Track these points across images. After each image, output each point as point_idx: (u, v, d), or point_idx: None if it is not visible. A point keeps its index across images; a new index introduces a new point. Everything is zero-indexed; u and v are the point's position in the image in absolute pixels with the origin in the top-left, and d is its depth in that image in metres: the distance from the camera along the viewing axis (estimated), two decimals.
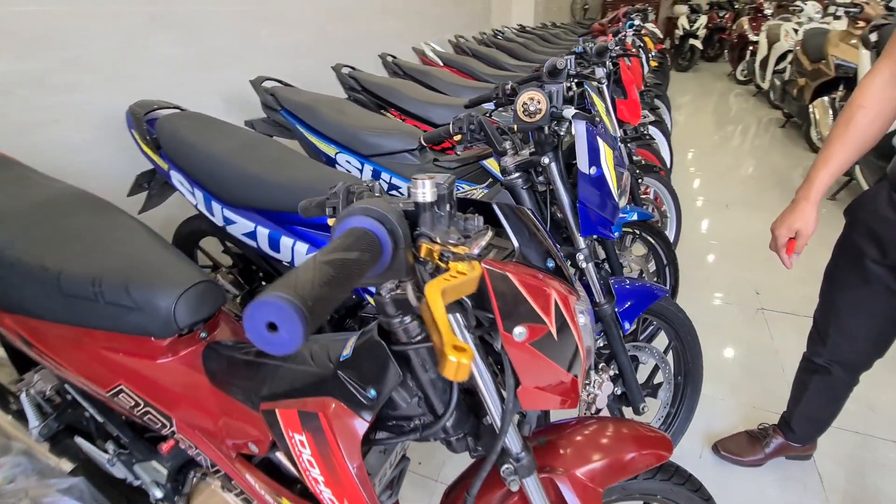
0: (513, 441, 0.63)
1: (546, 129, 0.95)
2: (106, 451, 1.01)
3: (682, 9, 10.09)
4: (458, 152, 1.69)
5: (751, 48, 7.62)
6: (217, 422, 0.80)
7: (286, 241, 1.32)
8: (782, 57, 5.94)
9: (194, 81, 2.26)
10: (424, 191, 0.50)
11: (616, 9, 12.69)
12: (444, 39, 4.41)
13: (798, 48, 4.92)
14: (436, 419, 0.65)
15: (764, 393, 1.77)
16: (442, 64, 3.22)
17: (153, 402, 0.84)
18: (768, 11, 7.83)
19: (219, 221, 1.39)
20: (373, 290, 1.27)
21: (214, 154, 1.33)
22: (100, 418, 0.98)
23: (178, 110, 1.55)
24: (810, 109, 4.08)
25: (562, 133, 0.99)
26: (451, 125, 1.25)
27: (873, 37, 3.05)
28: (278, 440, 0.68)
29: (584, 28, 8.03)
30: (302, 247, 1.32)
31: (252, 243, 1.37)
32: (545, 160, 1.01)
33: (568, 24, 8.12)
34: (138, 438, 0.99)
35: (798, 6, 6.15)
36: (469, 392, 0.66)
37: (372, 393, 0.63)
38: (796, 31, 5.56)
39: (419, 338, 0.61)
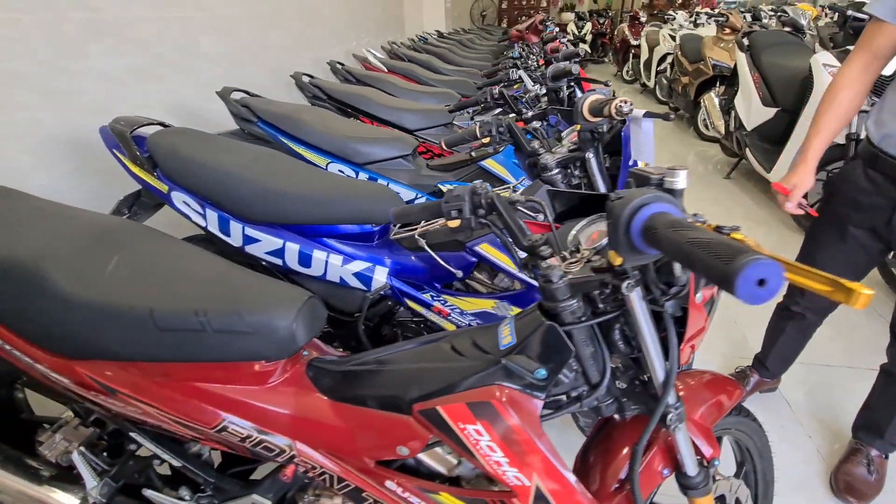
0: (671, 393, 0.73)
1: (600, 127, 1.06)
2: (183, 499, 0.92)
3: (570, 16, 11.07)
4: (445, 158, 1.75)
5: (633, 51, 8.60)
6: (346, 436, 0.79)
7: (319, 255, 1.30)
8: (662, 58, 6.80)
9: (136, 93, 2.05)
10: (680, 179, 0.57)
11: (510, 16, 13.58)
12: (358, 46, 4.38)
13: (677, 51, 5.68)
14: (591, 388, 0.72)
15: (735, 344, 2.07)
16: (386, 70, 3.24)
17: (268, 430, 0.80)
18: (643, 19, 8.90)
19: (236, 241, 1.31)
20: (416, 293, 1.30)
21: (230, 171, 1.26)
22: (176, 462, 0.90)
23: (161, 126, 1.42)
24: (701, 103, 4.76)
25: (603, 130, 1.11)
26: (477, 129, 1.32)
27: (745, 41, 3.67)
28: (444, 435, 0.71)
29: (489, 33, 8.47)
30: (336, 258, 1.30)
31: (277, 261, 1.32)
32: (589, 155, 1.12)
33: (474, 30, 8.49)
34: (222, 476, 0.92)
35: (671, 14, 7.10)
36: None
37: (541, 373, 0.68)
38: (672, 36, 6.41)
39: (584, 317, 0.68)
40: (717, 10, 5.03)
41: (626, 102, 0.90)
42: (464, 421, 0.70)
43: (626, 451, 0.78)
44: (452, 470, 0.79)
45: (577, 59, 1.91)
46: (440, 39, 5.51)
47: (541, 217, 1.04)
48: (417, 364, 0.78)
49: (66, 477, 0.98)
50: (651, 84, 7.22)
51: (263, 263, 1.35)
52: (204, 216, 1.30)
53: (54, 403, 1.21)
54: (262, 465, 0.99)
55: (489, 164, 1.73)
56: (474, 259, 1.26)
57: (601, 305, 0.68)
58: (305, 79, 2.36)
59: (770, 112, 3.34)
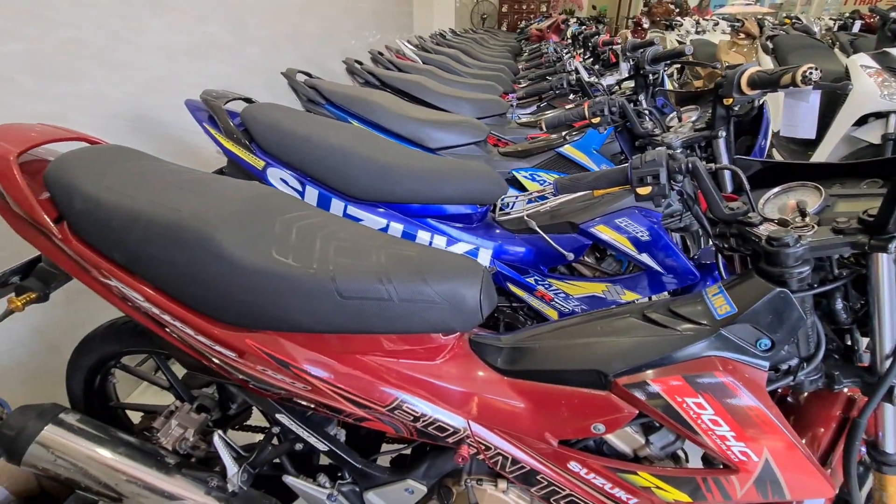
0: None
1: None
2: (323, 487, 0.86)
3: (571, 20, 11.16)
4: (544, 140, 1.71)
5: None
6: (528, 414, 0.75)
7: (423, 236, 1.25)
8: (669, 63, 6.91)
9: (185, 71, 1.97)
10: None
11: (510, 20, 13.63)
12: (368, 45, 4.30)
13: (689, 56, 5.77)
14: (804, 361, 0.69)
15: None
16: (421, 62, 3.19)
17: (444, 407, 0.75)
18: (646, 25, 9.03)
19: None
20: (520, 277, 1.26)
21: (335, 146, 1.20)
22: (323, 446, 0.84)
23: (247, 101, 1.36)
24: None
25: (736, 108, 1.09)
26: (586, 108, 1.29)
27: (770, 45, 3.73)
28: (656, 410, 0.67)
29: (494, 35, 8.48)
30: (440, 240, 1.26)
31: None
32: (721, 133, 1.10)
33: (480, 32, 8.50)
34: (368, 461, 0.86)
35: (678, 21, 7.21)
36: None
37: (764, 343, 0.65)
38: (680, 42, 6.51)
39: (814, 284, 0.65)
40: (716, 19, 5.13)
41: (814, 69, 0.88)
42: (682, 394, 0.66)
43: (821, 428, 0.75)
44: (640, 450, 0.75)
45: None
46: (456, 37, 5.49)
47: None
48: (610, 337, 0.74)
49: (190, 464, 0.91)
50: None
51: None
52: (303, 194, 1.24)
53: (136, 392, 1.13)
54: (389, 453, 0.94)
55: (568, 150, 1.70)
56: (588, 241, 1.22)
57: (829, 271, 0.65)
58: (357, 65, 2.30)
59: None
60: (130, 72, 1.62)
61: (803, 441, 0.75)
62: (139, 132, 1.66)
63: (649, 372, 0.68)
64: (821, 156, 3.04)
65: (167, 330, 0.76)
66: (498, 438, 0.77)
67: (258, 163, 1.25)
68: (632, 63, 1.55)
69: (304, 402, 0.79)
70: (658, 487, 0.72)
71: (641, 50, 1.53)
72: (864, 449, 0.76)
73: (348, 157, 1.20)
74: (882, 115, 2.67)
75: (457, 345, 0.78)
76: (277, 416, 0.83)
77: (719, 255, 0.92)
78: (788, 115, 0.94)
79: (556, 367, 0.74)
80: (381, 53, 2.85)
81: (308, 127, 1.24)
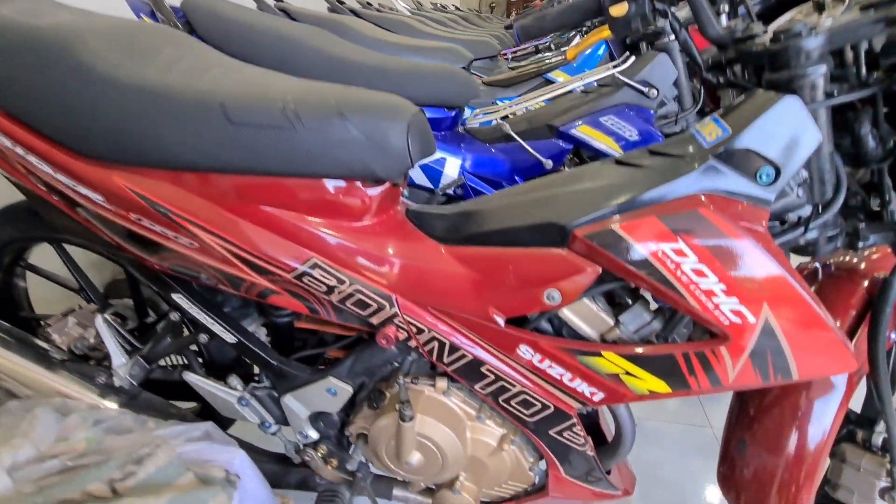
0: None
1: None
2: (234, 389, 0.72)
3: None
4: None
5: None
6: (468, 285, 0.60)
7: None
8: None
9: None
10: None
11: (519, 9, 13.45)
12: None
13: None
14: (819, 209, 0.54)
15: None
16: (408, 12, 3.04)
17: (364, 278, 0.61)
18: None
19: None
20: (490, 190, 1.11)
21: (285, 37, 1.07)
22: (231, 337, 0.70)
23: None
24: None
25: None
26: None
27: None
28: (622, 263, 0.52)
29: (500, 20, 8.31)
30: None
31: None
32: None
33: (484, 15, 8.34)
34: (286, 359, 0.72)
35: None
36: None
37: (767, 172, 0.50)
38: None
39: (834, 91, 0.49)
40: None
41: None
42: (656, 240, 0.51)
43: (843, 309, 0.60)
44: (608, 333, 0.60)
45: None
46: (459, 11, 5.35)
47: None
48: (572, 185, 0.59)
49: (85, 365, 0.77)
50: None
51: None
52: None
53: (61, 303, 1.01)
54: (321, 350, 0.80)
55: (557, 76, 1.55)
56: (568, 146, 1.07)
57: (856, 76, 0.50)
58: (339, 4, 2.17)
59: None
60: None
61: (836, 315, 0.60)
62: None
63: (616, 217, 0.53)
64: None
65: (24, 165, 0.62)
66: (432, 318, 0.62)
67: None
68: None
69: (196, 272, 0.65)
70: (628, 374, 0.57)
71: None
72: (893, 336, 0.60)
73: (296, 50, 1.06)
74: None
75: (386, 206, 0.63)
76: (174, 296, 0.69)
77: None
78: None
79: (504, 226, 0.59)
80: (369, 4, 2.72)
81: (252, 18, 1.11)
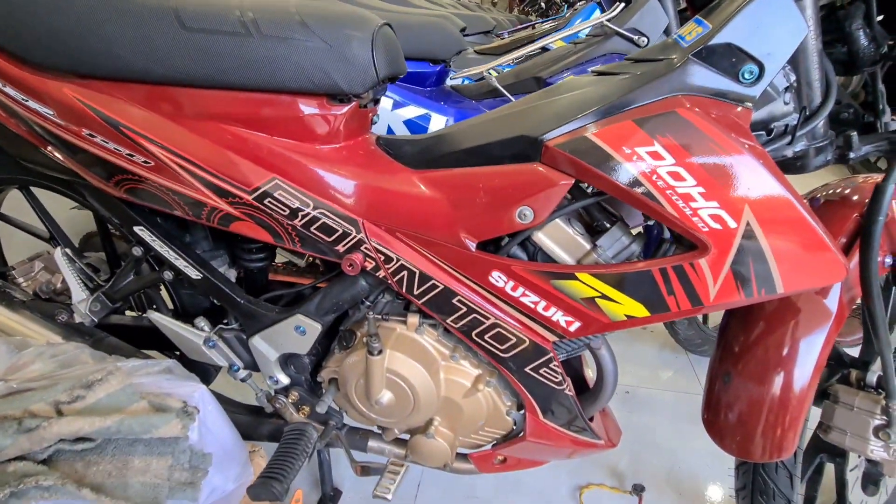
0: None
1: None
2: (201, 331, 0.70)
3: None
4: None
5: None
6: (436, 208, 0.57)
7: None
8: None
9: None
10: None
11: (521, 2, 13.39)
12: None
13: None
14: (809, 115, 0.50)
15: None
16: None
17: (329, 202, 0.58)
18: None
19: None
20: None
21: None
22: (196, 273, 0.67)
23: None
24: None
25: None
26: None
27: None
28: (596, 172, 0.48)
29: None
30: (385, 101, 1.08)
31: None
32: None
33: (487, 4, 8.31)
34: (254, 298, 0.69)
35: None
36: None
37: (750, 69, 0.46)
38: None
39: None
40: None
41: None
42: (631, 144, 0.47)
43: (835, 230, 0.56)
44: (585, 258, 0.57)
45: None
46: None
47: None
48: (546, 98, 0.55)
49: (47, 305, 0.75)
50: None
51: None
52: None
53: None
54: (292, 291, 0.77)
55: (557, 45, 1.51)
56: None
57: None
58: None
59: None
60: None
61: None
62: None
63: (591, 125, 0.49)
64: None
65: None
66: (401, 244, 0.59)
67: None
68: None
69: (156, 198, 0.62)
70: (604, 297, 0.53)
71: None
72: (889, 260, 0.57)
73: None
74: None
75: (354, 130, 0.60)
76: (136, 229, 0.66)
77: None
78: None
79: (474, 145, 0.56)
80: None
81: None
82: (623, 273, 0.52)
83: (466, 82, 1.21)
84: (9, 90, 0.56)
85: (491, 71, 1.11)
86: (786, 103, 0.50)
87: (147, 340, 0.83)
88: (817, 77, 0.49)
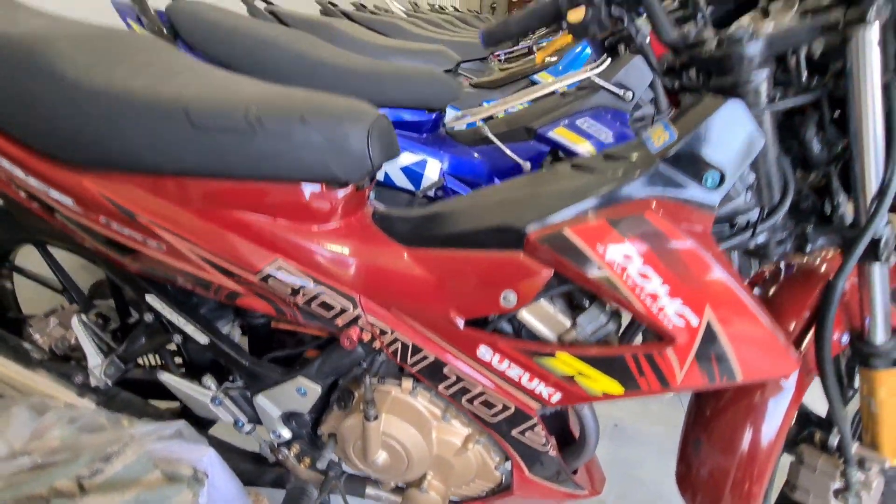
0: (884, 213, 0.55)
1: None
2: (207, 388, 0.74)
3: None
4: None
5: None
6: (428, 287, 0.62)
7: None
8: None
9: None
10: None
11: (521, 9, 13.44)
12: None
13: None
14: (768, 212, 0.55)
15: None
16: (404, 14, 3.06)
17: (328, 280, 0.62)
18: None
19: None
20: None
21: (268, 41, 1.08)
22: (202, 338, 0.72)
23: None
24: None
25: None
26: None
27: None
28: (573, 266, 0.53)
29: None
30: None
31: None
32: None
33: (485, 14, 8.34)
34: (258, 359, 0.74)
35: None
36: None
37: (713, 176, 0.51)
38: None
39: (777, 96, 0.50)
40: None
41: None
42: (603, 242, 0.52)
43: (794, 313, 0.60)
44: (565, 335, 0.61)
45: None
46: (457, 12, 5.36)
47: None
48: (528, 189, 0.60)
49: (63, 365, 0.79)
50: None
51: None
52: None
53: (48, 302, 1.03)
54: (296, 351, 0.81)
55: (543, 77, 1.56)
56: (546, 148, 1.08)
57: (798, 82, 0.51)
58: (331, 6, 2.18)
59: None
60: None
61: (783, 322, 0.61)
62: None
63: (567, 221, 0.54)
64: None
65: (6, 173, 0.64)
66: (395, 319, 0.64)
67: None
68: None
69: (168, 274, 0.66)
70: (581, 374, 0.58)
71: None
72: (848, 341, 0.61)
73: (279, 54, 1.08)
74: None
75: (352, 210, 0.65)
76: (147, 298, 0.71)
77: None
78: None
79: (464, 229, 0.61)
80: (364, 6, 2.74)
81: (236, 22, 1.12)
82: (599, 356, 0.56)
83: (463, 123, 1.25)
84: (31, 180, 0.61)
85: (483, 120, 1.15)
86: (747, 200, 0.55)
87: (157, 392, 0.88)
88: (776, 178, 0.54)
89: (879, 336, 0.58)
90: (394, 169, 1.14)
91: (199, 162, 0.58)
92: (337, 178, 0.60)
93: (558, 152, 1.09)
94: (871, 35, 0.44)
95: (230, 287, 0.64)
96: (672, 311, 0.51)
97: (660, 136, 0.54)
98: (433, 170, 1.14)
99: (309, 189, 0.61)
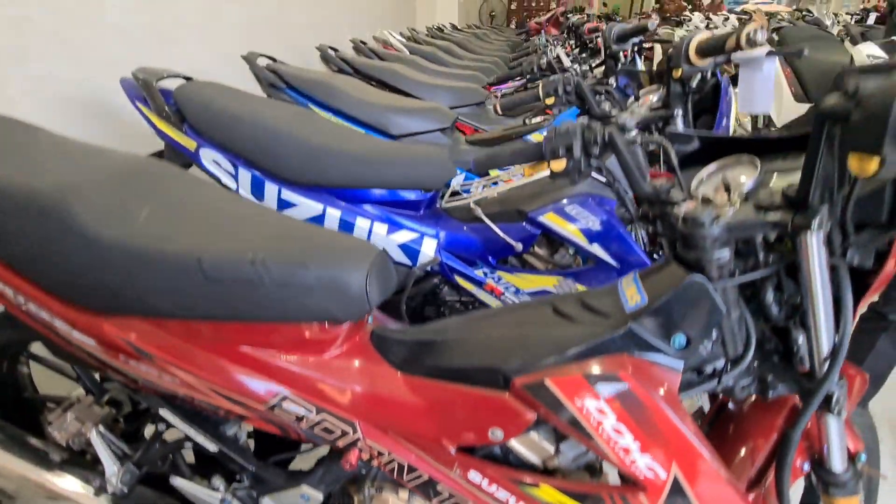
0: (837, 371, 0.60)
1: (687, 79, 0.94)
2: (216, 490, 0.79)
3: (581, 19, 10.97)
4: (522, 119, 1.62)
5: (645, 53, 8.54)
6: (423, 416, 0.67)
7: (361, 224, 1.17)
8: None
9: (148, 54, 1.91)
10: None
11: (519, 17, 13.48)
12: (372, 32, 4.24)
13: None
14: (732, 362, 0.60)
15: None
16: (408, 52, 3.11)
17: (329, 408, 0.67)
18: (655, 22, 8.85)
19: (271, 205, 1.18)
20: (467, 269, 1.17)
21: (268, 126, 1.13)
22: (212, 446, 0.77)
23: (186, 80, 1.29)
24: None
25: (693, 86, 0.99)
26: (540, 89, 1.20)
27: (776, 36, 3.58)
28: (554, 415, 0.58)
29: (500, 31, 8.37)
30: (380, 227, 1.18)
31: None
32: (677, 112, 1.00)
33: (485, 27, 8.40)
34: (264, 464, 0.79)
35: (687, 16, 7.02)
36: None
37: (680, 340, 0.56)
38: None
39: (735, 272, 0.56)
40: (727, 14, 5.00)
41: (760, 28, 0.79)
42: (581, 397, 0.57)
43: (759, 440, 0.66)
44: (549, 460, 0.67)
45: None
46: (456, 31, 5.41)
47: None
48: (513, 330, 0.65)
49: (79, 462, 0.84)
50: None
51: None
52: (235, 177, 1.18)
53: (62, 382, 1.08)
54: (300, 454, 0.87)
55: (536, 139, 1.61)
56: (537, 231, 1.13)
57: (756, 257, 0.56)
58: (331, 52, 2.23)
59: (803, 108, 3.23)
60: (85, 53, 1.57)
61: (741, 454, 0.66)
62: (88, 116, 1.61)
63: (548, 371, 0.59)
64: None
65: (24, 310, 0.69)
66: (393, 443, 0.69)
67: (190, 144, 1.18)
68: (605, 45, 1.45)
69: (181, 397, 0.71)
70: None
71: (610, 25, 1.43)
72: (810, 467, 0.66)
73: (281, 138, 1.13)
74: None
75: (351, 337, 0.70)
76: (161, 411, 0.76)
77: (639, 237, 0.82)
78: (745, 88, 0.84)
79: (454, 364, 0.66)
80: (364, 43, 2.79)
81: (241, 106, 1.17)
82: (580, 491, 0.61)
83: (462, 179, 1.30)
84: (57, 323, 0.66)
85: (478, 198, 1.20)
86: (712, 351, 0.60)
87: (167, 485, 0.92)
88: (738, 334, 0.59)
89: (836, 465, 0.63)
90: (391, 246, 1.19)
91: (211, 307, 0.63)
92: (337, 318, 0.65)
93: (548, 235, 1.14)
94: (816, 238, 0.49)
95: (238, 412, 0.69)
96: (643, 464, 0.56)
97: (633, 297, 0.59)
98: (429, 246, 1.19)
99: (311, 328, 0.66)
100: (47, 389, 1.08)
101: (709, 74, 0.97)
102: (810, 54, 3.34)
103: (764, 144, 0.66)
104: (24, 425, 0.96)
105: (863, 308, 0.57)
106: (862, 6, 7.64)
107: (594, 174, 1.07)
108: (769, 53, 0.79)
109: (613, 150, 0.65)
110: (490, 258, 1.19)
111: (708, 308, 0.55)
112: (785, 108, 3.35)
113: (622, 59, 1.42)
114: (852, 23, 4.56)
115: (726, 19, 6.61)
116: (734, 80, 0.98)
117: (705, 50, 0.90)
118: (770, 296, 0.58)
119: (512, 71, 1.96)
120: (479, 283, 1.20)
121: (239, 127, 1.14)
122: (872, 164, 0.40)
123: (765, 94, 0.80)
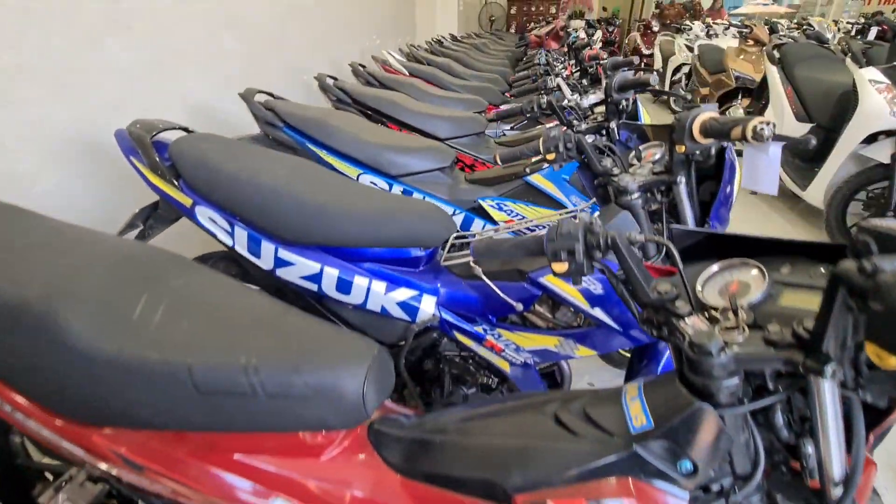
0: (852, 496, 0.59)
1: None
2: None
3: (579, 23, 10.93)
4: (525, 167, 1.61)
5: (644, 60, 8.51)
6: None
7: (360, 282, 1.15)
8: (677, 69, 6.69)
9: (149, 91, 1.90)
10: None
11: (518, 22, 13.47)
12: (372, 48, 4.24)
13: (695, 61, 5.57)
14: (740, 481, 0.58)
15: None
16: (407, 73, 3.10)
17: None
18: (656, 28, 8.82)
19: (267, 264, 1.16)
20: (467, 326, 1.16)
21: (265, 184, 1.11)
22: None
23: (184, 131, 1.28)
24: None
25: (711, 153, 0.97)
26: (540, 144, 1.18)
27: (777, 53, 3.56)
28: None
29: (500, 38, 8.35)
30: (379, 285, 1.16)
31: (312, 286, 1.17)
32: (680, 179, 0.99)
33: (485, 35, 8.38)
34: None
35: (687, 24, 7.00)
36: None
37: (686, 466, 0.54)
38: (689, 46, 6.30)
39: (744, 399, 0.54)
40: (727, 22, 4.96)
41: (767, 125, 0.77)
42: None
43: None
44: None
45: (635, 70, 1.73)
46: (455, 43, 5.39)
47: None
48: (514, 441, 0.63)
49: None
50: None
51: (294, 289, 1.20)
52: (232, 234, 1.16)
53: None
54: None
55: (536, 179, 1.59)
56: (537, 291, 1.12)
57: (765, 382, 0.54)
58: (329, 81, 2.21)
59: (804, 128, 3.22)
60: (84, 94, 1.56)
61: None
62: (86, 160, 1.60)
63: (550, 492, 0.57)
64: (827, 174, 2.87)
65: (11, 417, 0.68)
66: None
67: (186, 200, 1.17)
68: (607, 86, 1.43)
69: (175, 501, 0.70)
70: None
71: (612, 72, 1.42)
72: None
73: (278, 197, 1.11)
74: (892, 134, 2.50)
75: (348, 437, 0.68)
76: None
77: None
78: (749, 166, 0.83)
79: (454, 473, 0.64)
80: (362, 66, 2.77)
81: (237, 162, 1.15)
82: None
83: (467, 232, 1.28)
84: (45, 433, 0.64)
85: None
86: (721, 469, 0.58)
87: None
88: (746, 454, 0.57)
89: None
90: (391, 304, 1.17)
91: (203, 419, 0.61)
92: (333, 427, 0.63)
93: (549, 295, 1.13)
94: (829, 385, 0.48)
95: None
96: None
97: (638, 416, 0.57)
98: (429, 303, 1.17)
99: (307, 435, 0.64)
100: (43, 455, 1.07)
101: (712, 150, 0.95)
102: (811, 74, 3.31)
103: (770, 245, 0.65)
104: (15, 495, 0.95)
105: (876, 435, 0.56)
106: (863, 13, 7.63)
107: None
108: (776, 137, 0.78)
109: (616, 254, 0.63)
110: (490, 316, 1.17)
111: (716, 436, 0.53)
112: (786, 128, 3.34)
113: (623, 105, 1.40)
114: (853, 35, 4.54)
115: (727, 28, 6.61)
116: (739, 151, 0.97)
117: (709, 132, 0.88)
118: (779, 418, 0.56)
119: (511, 108, 1.94)
120: (478, 340, 1.19)
121: (235, 185, 1.12)
122: (893, 361, 0.38)
123: (770, 176, 0.78)
